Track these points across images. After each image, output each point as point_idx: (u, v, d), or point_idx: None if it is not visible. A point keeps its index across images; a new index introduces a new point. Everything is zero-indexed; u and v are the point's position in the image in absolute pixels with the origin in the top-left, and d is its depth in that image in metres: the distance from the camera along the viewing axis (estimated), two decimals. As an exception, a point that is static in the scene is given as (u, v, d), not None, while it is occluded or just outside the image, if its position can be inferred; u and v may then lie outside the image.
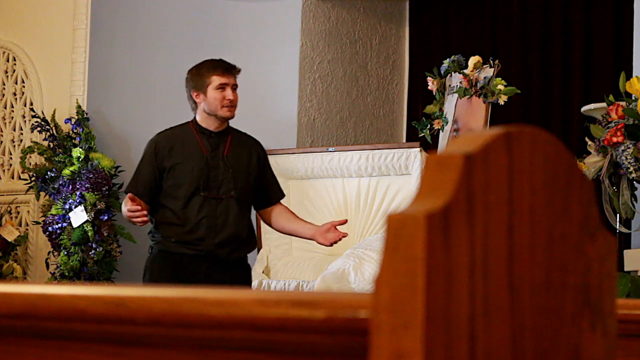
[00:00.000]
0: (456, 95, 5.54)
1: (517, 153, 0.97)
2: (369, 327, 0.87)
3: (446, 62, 5.67)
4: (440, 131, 5.70)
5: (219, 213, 4.28)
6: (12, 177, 7.21)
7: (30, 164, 6.88)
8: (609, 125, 4.77)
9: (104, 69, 6.97)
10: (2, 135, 7.28)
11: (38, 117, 6.76)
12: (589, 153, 4.93)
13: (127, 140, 6.75)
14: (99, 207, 6.29)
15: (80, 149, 6.54)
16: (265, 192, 4.48)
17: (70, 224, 6.31)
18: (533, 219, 0.98)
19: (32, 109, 6.99)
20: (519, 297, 0.96)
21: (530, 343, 0.97)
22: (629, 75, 5.07)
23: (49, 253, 6.67)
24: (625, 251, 4.93)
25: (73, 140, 6.67)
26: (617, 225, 4.89)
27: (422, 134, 5.75)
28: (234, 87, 4.35)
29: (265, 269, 6.05)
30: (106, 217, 6.30)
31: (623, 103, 4.80)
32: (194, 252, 4.26)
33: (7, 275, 6.83)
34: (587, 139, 4.98)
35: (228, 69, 4.34)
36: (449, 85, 5.69)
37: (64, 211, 6.35)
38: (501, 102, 5.36)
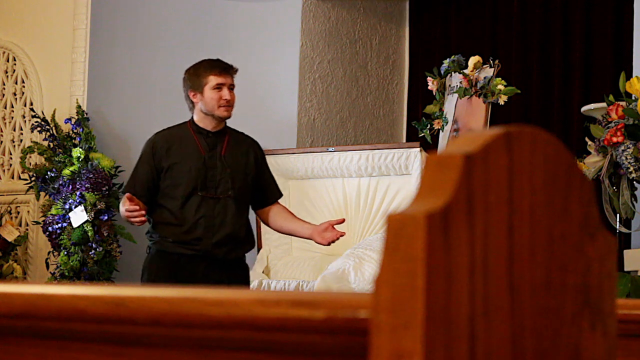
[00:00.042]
0: (456, 95, 5.54)
1: (517, 153, 0.97)
2: (369, 327, 0.87)
3: (446, 62, 5.67)
4: (440, 131, 5.70)
5: (217, 213, 4.29)
6: (12, 177, 7.21)
7: (30, 164, 6.88)
8: (609, 125, 4.77)
9: (104, 69, 6.97)
10: (2, 135, 7.28)
11: (38, 117, 6.76)
12: (589, 153, 4.93)
13: (127, 140, 6.75)
14: (99, 207, 6.29)
15: (80, 149, 6.54)
16: (263, 191, 4.48)
17: (70, 224, 6.31)
18: (533, 219, 0.98)
19: (32, 109, 6.99)
20: (519, 297, 0.96)
21: (530, 343, 0.97)
22: (629, 75, 5.07)
23: (49, 253, 6.67)
24: (625, 251, 4.93)
25: (73, 140, 6.67)
26: (617, 225, 4.89)
27: (422, 134, 5.75)
28: (231, 87, 4.35)
29: (265, 269, 6.05)
30: (106, 217, 6.30)
31: (623, 103, 4.80)
32: (191, 252, 4.26)
33: (7, 275, 6.83)
34: (587, 139, 4.98)
35: (225, 69, 4.34)
36: (449, 85, 5.69)
37: (64, 211, 6.36)
38: (501, 102, 5.36)
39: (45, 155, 6.70)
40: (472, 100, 5.48)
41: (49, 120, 6.76)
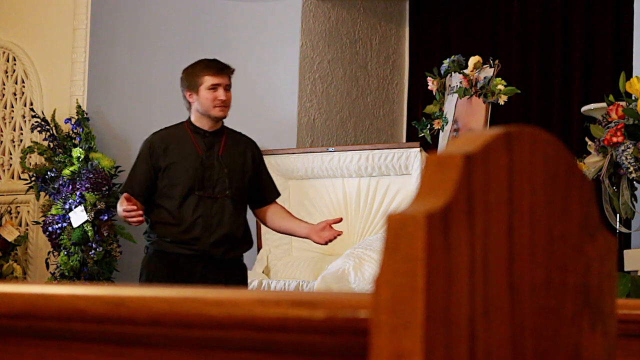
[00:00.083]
0: (456, 95, 5.54)
1: (517, 153, 0.97)
2: (369, 327, 0.87)
3: (446, 62, 5.67)
4: (440, 131, 5.70)
5: (214, 212, 4.29)
6: (12, 177, 7.21)
7: (30, 164, 6.88)
8: (609, 125, 4.77)
9: (104, 69, 6.97)
10: (2, 135, 7.28)
11: (38, 117, 6.76)
12: (589, 153, 4.93)
13: (127, 140, 6.75)
14: (99, 207, 6.29)
15: (80, 149, 6.54)
16: (261, 191, 4.48)
17: (70, 224, 6.31)
18: (533, 219, 0.98)
19: (32, 109, 6.99)
20: (519, 297, 0.96)
21: (530, 343, 0.97)
22: (629, 75, 5.07)
23: (49, 253, 6.67)
24: (625, 251, 4.93)
25: (73, 140, 6.67)
26: (617, 225, 4.89)
27: (422, 134, 5.75)
28: (227, 88, 4.35)
29: (265, 269, 6.05)
30: (106, 217, 6.31)
31: (623, 103, 4.80)
32: (189, 252, 4.26)
33: (7, 275, 6.83)
34: (587, 139, 4.98)
35: (221, 69, 4.34)
36: (449, 85, 5.69)
37: (64, 211, 6.36)
38: (501, 102, 5.36)
39: (45, 155, 6.70)
40: (472, 100, 5.48)
41: (49, 120, 6.76)
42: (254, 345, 0.98)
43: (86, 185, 6.31)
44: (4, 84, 7.31)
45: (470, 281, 0.90)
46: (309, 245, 5.44)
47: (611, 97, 4.87)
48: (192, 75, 4.35)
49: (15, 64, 7.28)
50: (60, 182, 6.51)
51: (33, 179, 6.70)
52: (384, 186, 5.97)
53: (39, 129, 6.73)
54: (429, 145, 5.76)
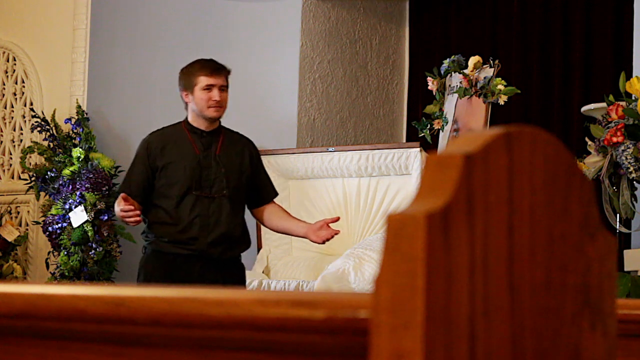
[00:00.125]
0: (456, 95, 5.54)
1: (517, 153, 0.97)
2: (369, 327, 0.87)
3: (446, 62, 5.67)
4: (440, 131, 5.70)
5: (212, 212, 4.29)
6: (12, 177, 7.21)
7: (30, 164, 6.88)
8: (609, 125, 4.77)
9: (104, 69, 6.97)
10: (2, 135, 7.28)
11: (38, 117, 6.76)
12: (589, 153, 4.93)
13: (127, 140, 6.75)
14: (99, 207, 6.29)
15: (80, 149, 6.54)
16: (258, 191, 4.48)
17: (70, 224, 6.31)
18: (533, 219, 0.98)
19: (32, 109, 6.99)
20: (519, 297, 0.96)
21: (530, 343, 0.97)
22: (629, 75, 5.07)
23: (49, 253, 6.67)
24: (625, 251, 4.93)
25: (73, 140, 6.67)
26: (617, 225, 4.89)
27: (422, 134, 5.75)
28: (223, 88, 4.35)
29: (265, 269, 6.05)
30: (106, 217, 6.31)
31: (623, 103, 4.80)
32: (187, 252, 4.27)
33: (7, 275, 6.83)
34: (587, 139, 4.98)
35: (215, 70, 4.34)
36: (449, 85, 5.69)
37: (64, 211, 6.36)
38: (501, 102, 5.36)
39: (45, 155, 6.70)
40: (472, 100, 5.48)
41: (49, 120, 6.76)
42: (254, 345, 0.98)
43: (86, 185, 6.31)
44: (4, 84, 7.31)
45: (470, 281, 0.90)
46: (309, 245, 5.44)
47: (611, 97, 4.87)
48: (187, 75, 4.37)
49: (15, 64, 7.28)
50: (60, 182, 6.51)
51: (33, 179, 6.70)
52: (384, 186, 5.97)
53: (39, 129, 6.73)
54: (429, 145, 5.76)
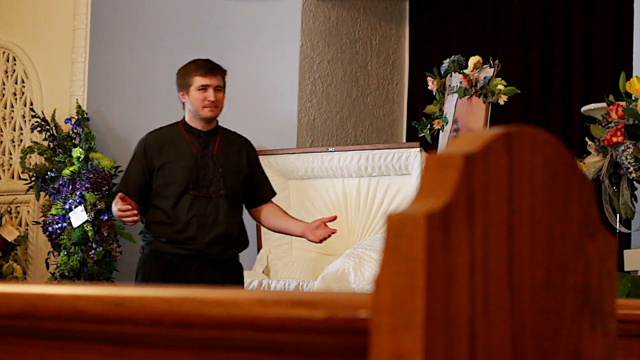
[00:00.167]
0: (456, 95, 5.54)
1: (517, 153, 0.97)
2: (369, 327, 0.87)
3: (446, 62, 5.67)
4: (440, 131, 5.70)
5: (209, 212, 4.30)
6: (12, 177, 7.21)
7: (30, 164, 6.88)
8: (609, 125, 4.77)
9: (104, 69, 6.97)
10: (2, 135, 7.28)
11: (38, 117, 6.76)
12: (589, 153, 4.93)
13: (127, 140, 6.75)
14: (99, 207, 6.29)
15: (80, 149, 6.54)
16: (256, 191, 4.49)
17: (70, 224, 6.31)
18: (533, 219, 0.98)
19: (32, 109, 6.99)
20: (519, 297, 0.96)
21: (530, 343, 0.97)
22: (629, 75, 5.07)
23: (49, 253, 6.67)
24: (625, 251, 4.93)
25: (73, 140, 6.67)
26: (617, 225, 4.89)
27: (422, 134, 5.75)
28: (218, 89, 4.35)
29: (265, 269, 6.05)
30: (106, 217, 6.30)
31: (623, 103, 4.80)
32: (184, 252, 4.27)
33: (7, 275, 6.83)
34: (587, 139, 4.98)
35: (210, 70, 4.35)
36: (449, 85, 5.69)
37: (64, 211, 6.36)
38: (501, 102, 5.36)
39: (45, 155, 6.70)
40: (472, 100, 5.48)
41: (49, 120, 6.76)
42: (254, 345, 0.98)
43: (86, 185, 6.31)
44: (4, 84, 7.31)
45: (470, 281, 0.90)
46: (309, 245, 5.44)
47: (611, 97, 4.87)
48: (183, 76, 4.39)
49: (15, 64, 7.28)
50: (60, 182, 6.51)
51: (33, 179, 6.70)
52: (384, 186, 5.97)
53: (39, 129, 6.73)
54: (429, 145, 5.76)
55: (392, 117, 7.12)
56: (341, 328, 0.91)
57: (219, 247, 4.29)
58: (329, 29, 6.72)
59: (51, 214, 6.43)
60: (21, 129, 7.22)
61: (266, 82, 6.51)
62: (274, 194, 4.58)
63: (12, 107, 7.27)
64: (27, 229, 7.06)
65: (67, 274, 6.30)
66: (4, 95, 7.31)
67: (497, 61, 5.45)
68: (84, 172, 6.40)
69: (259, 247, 6.11)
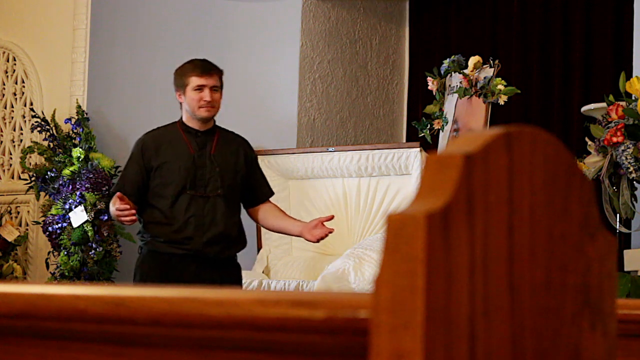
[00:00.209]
0: (456, 95, 5.54)
1: (517, 153, 0.97)
2: (369, 327, 0.87)
3: (446, 62, 5.67)
4: (440, 131, 5.70)
5: (207, 211, 4.30)
6: (12, 177, 7.21)
7: (30, 164, 6.88)
8: (609, 125, 4.77)
9: (104, 69, 6.97)
10: (2, 135, 7.28)
11: (38, 117, 6.76)
12: (589, 153, 4.93)
13: (127, 140, 6.75)
14: (99, 207, 6.29)
15: (80, 149, 6.54)
16: (254, 190, 4.49)
17: (70, 224, 6.31)
18: (533, 219, 0.98)
19: (32, 109, 6.99)
20: (519, 297, 0.96)
21: (530, 343, 0.97)
22: (629, 75, 5.07)
23: (49, 253, 6.67)
24: (625, 251, 4.93)
25: (73, 140, 6.67)
26: (617, 225, 4.89)
27: (422, 134, 5.75)
28: (215, 89, 4.35)
29: (265, 269, 6.05)
30: (106, 217, 6.31)
31: (623, 103, 4.80)
32: (182, 252, 4.27)
33: (7, 275, 6.83)
34: (587, 139, 4.98)
35: (206, 70, 4.35)
36: (449, 85, 5.69)
37: (64, 211, 6.36)
38: (501, 102, 5.36)
39: (45, 155, 6.70)
40: (472, 100, 5.48)
41: (49, 120, 6.76)
42: (254, 345, 0.98)
43: (86, 185, 6.31)
44: (4, 84, 7.31)
45: (470, 281, 0.90)
46: (309, 245, 5.44)
47: (611, 97, 4.87)
48: (180, 76, 4.40)
49: (15, 64, 7.28)
50: (60, 182, 6.51)
51: (33, 179, 6.70)
52: (384, 186, 5.96)
53: (39, 129, 6.73)
54: (429, 145, 5.76)
55: (392, 117, 7.12)
56: (341, 328, 0.91)
57: (216, 246, 4.30)
58: (329, 29, 6.72)
59: (51, 214, 6.43)
60: (21, 129, 7.22)
61: (266, 82, 6.51)
62: (272, 193, 4.58)
63: (12, 107, 7.27)
64: (27, 229, 7.06)
65: (67, 274, 6.30)
66: (4, 95, 7.31)
67: (497, 61, 5.45)
68: (84, 172, 6.40)
69: (259, 247, 6.11)
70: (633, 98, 4.78)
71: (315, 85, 6.60)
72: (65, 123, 6.76)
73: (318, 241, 4.40)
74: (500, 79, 5.38)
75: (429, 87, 5.77)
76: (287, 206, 5.96)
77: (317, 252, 6.02)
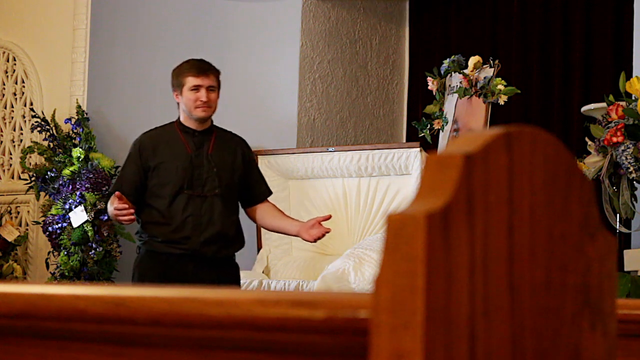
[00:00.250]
0: (456, 95, 5.54)
1: (517, 153, 0.97)
2: (369, 327, 0.87)
3: (446, 62, 5.67)
4: (440, 131, 5.70)
5: (204, 211, 4.31)
6: (12, 177, 7.21)
7: (30, 164, 6.88)
8: (609, 125, 4.77)
9: (104, 69, 6.97)
10: (2, 135, 7.28)
11: (38, 117, 6.76)
12: (589, 153, 4.93)
13: (127, 140, 6.74)
14: (99, 207, 6.29)
15: (80, 149, 6.54)
16: (251, 190, 4.49)
17: (70, 224, 6.31)
18: (533, 219, 0.98)
19: (32, 109, 6.99)
20: (519, 297, 0.96)
21: (530, 343, 0.97)
22: (629, 75, 5.07)
23: (49, 253, 6.67)
24: (625, 251, 4.93)
25: (73, 140, 6.67)
26: (617, 225, 4.89)
27: (422, 134, 5.75)
28: (211, 89, 4.35)
29: (265, 269, 6.05)
30: (106, 217, 6.30)
31: (623, 103, 4.80)
32: (180, 252, 4.27)
33: (7, 275, 6.83)
34: (587, 139, 4.98)
35: (203, 71, 4.36)
36: (449, 85, 5.69)
37: (64, 211, 6.36)
38: (501, 102, 5.36)
39: (45, 155, 6.70)
40: (472, 100, 5.48)
41: (49, 120, 6.76)
42: (254, 345, 0.98)
43: (86, 185, 6.31)
44: (4, 84, 7.31)
45: (470, 281, 0.90)
46: (309, 245, 5.44)
47: (611, 97, 4.87)
48: (177, 76, 4.41)
49: (15, 64, 7.28)
50: (60, 182, 6.51)
51: (33, 179, 6.70)
52: (384, 186, 5.96)
53: (39, 129, 6.73)
54: (429, 145, 5.76)
55: (392, 117, 7.12)
56: (341, 328, 0.91)
57: (214, 246, 4.30)
58: (329, 29, 6.72)
59: (51, 214, 6.43)
60: (21, 129, 7.22)
61: (266, 82, 6.51)
62: (270, 193, 4.58)
63: (12, 107, 7.27)
64: (27, 229, 7.06)
65: (67, 274, 6.30)
66: (4, 95, 7.31)
67: (497, 61, 5.45)
68: (84, 172, 6.40)
69: (259, 247, 6.11)
70: (633, 98, 4.78)
71: (315, 85, 6.60)
72: (65, 123, 6.76)
73: (315, 241, 4.40)
74: (500, 79, 5.38)
75: (429, 87, 5.77)
76: (287, 206, 5.96)
77: (317, 252, 6.01)
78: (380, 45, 7.06)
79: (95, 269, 6.35)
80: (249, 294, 0.98)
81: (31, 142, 6.94)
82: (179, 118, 4.45)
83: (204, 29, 6.73)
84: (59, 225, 6.34)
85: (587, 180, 1.07)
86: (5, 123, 7.27)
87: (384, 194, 5.96)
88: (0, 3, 7.31)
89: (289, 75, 6.51)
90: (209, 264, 4.29)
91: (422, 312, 0.84)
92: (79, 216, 6.27)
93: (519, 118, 6.30)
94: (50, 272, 6.55)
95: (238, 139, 4.53)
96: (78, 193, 6.31)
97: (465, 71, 5.51)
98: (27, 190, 6.79)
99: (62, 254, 6.33)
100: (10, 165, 7.23)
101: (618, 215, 4.86)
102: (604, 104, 4.94)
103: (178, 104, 4.42)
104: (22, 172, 6.91)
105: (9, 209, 7.13)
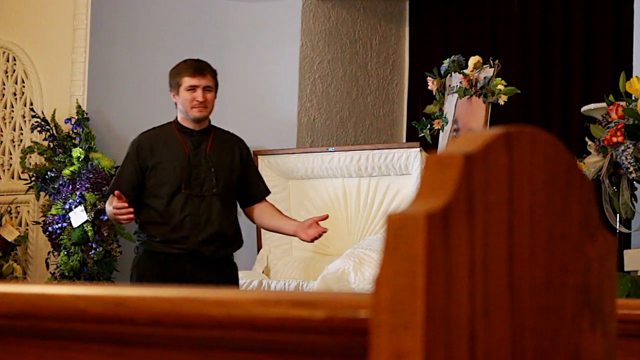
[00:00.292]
0: (456, 95, 5.54)
1: (517, 153, 0.97)
2: (369, 327, 0.87)
3: (446, 62, 5.67)
4: (440, 131, 5.70)
5: (202, 211, 4.31)
6: (12, 177, 7.21)
7: (30, 164, 6.88)
8: (609, 125, 4.77)
9: (104, 69, 6.97)
10: (2, 135, 7.28)
11: (38, 117, 6.76)
12: (589, 153, 4.93)
13: (127, 140, 6.72)
14: (99, 207, 6.29)
15: (80, 149, 6.54)
16: (250, 189, 4.50)
17: (70, 224, 6.31)
18: (533, 219, 0.98)
19: (32, 109, 6.99)
20: (519, 297, 0.96)
21: (530, 343, 0.97)
22: (629, 75, 5.07)
23: (49, 253, 6.67)
24: (625, 251, 4.93)
25: (73, 140, 6.67)
26: (617, 225, 4.89)
27: (422, 134, 5.75)
28: (208, 89, 4.36)
29: (265, 269, 6.05)
30: (106, 217, 6.30)
31: (623, 103, 4.80)
32: (178, 251, 4.28)
33: (7, 275, 6.83)
34: (587, 139, 4.98)
35: (199, 71, 4.36)
36: (449, 85, 5.69)
37: (64, 211, 6.35)
38: (501, 102, 5.36)
39: (45, 155, 6.70)
40: (472, 100, 5.48)
41: (49, 120, 6.76)
42: (254, 345, 0.98)
43: (86, 185, 6.31)
44: (4, 84, 7.30)
45: (470, 281, 0.89)
46: (309, 245, 5.44)
47: (611, 97, 4.87)
48: (174, 76, 4.42)
49: (15, 64, 7.27)
50: (60, 182, 6.51)
51: (33, 179, 6.70)
52: (384, 186, 5.96)
53: (39, 129, 6.73)
54: (429, 145, 5.76)
55: (392, 117, 7.12)
56: (341, 328, 0.91)
57: (212, 246, 4.30)
58: (329, 29, 6.72)
59: (51, 214, 6.43)
60: (21, 129, 7.22)
61: (266, 82, 6.51)
62: (268, 192, 4.58)
63: (12, 107, 7.27)
64: (27, 229, 7.06)
65: (67, 274, 6.30)
66: (4, 95, 7.30)
67: (497, 61, 5.45)
68: (84, 172, 6.40)
69: (259, 247, 6.11)
70: (633, 98, 4.78)
71: (315, 85, 6.60)
72: (65, 123, 6.75)
73: (312, 241, 4.40)
74: (500, 79, 5.38)
75: (429, 87, 5.77)
76: (287, 206, 5.96)
77: (317, 252, 6.01)
78: (380, 45, 7.06)
79: (95, 269, 6.35)
80: (249, 294, 0.98)
81: (31, 142, 6.94)
82: (176, 118, 4.45)
83: (204, 29, 6.73)
84: (59, 225, 6.34)
85: (587, 180, 1.07)
86: (5, 123, 7.27)
87: (384, 194, 5.96)
88: (0, 3, 7.31)
89: (289, 75, 6.51)
90: (207, 264, 4.29)
91: (422, 312, 0.84)
92: (79, 216, 6.27)
93: (519, 118, 6.30)
94: (50, 272, 6.55)
95: (236, 138, 4.53)
96: (78, 193, 6.31)
97: (465, 71, 5.51)
98: (27, 190, 6.79)
99: (62, 254, 6.33)
100: (10, 165, 7.23)
101: (618, 215, 4.86)
102: (604, 104, 4.94)
103: (175, 104, 4.43)
104: (22, 172, 6.91)
105: (9, 209, 7.13)
